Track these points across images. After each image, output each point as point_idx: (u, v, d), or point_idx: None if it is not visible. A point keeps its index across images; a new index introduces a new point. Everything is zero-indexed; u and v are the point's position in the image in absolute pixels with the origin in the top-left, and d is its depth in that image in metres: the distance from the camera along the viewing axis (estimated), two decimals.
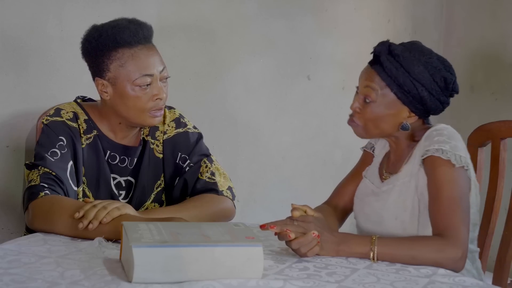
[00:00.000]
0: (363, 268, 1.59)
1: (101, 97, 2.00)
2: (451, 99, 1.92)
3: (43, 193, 1.83)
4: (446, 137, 1.82)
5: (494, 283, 2.08)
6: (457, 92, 1.91)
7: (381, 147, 2.06)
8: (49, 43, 2.39)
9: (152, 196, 2.08)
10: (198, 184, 2.07)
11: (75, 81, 2.39)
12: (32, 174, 1.89)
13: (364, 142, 2.16)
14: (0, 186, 2.31)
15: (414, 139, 1.92)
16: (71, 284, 1.40)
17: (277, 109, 3.25)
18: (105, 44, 1.91)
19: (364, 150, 2.12)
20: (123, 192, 2.05)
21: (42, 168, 1.88)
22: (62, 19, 2.41)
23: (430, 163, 1.80)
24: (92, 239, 1.69)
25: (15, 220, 2.32)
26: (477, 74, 3.70)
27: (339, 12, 3.47)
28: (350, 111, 1.94)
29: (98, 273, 1.47)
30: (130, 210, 1.78)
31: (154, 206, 2.08)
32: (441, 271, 1.59)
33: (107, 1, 2.52)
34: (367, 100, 1.87)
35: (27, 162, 1.95)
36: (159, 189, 2.09)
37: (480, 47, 3.80)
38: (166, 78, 1.98)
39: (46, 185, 1.85)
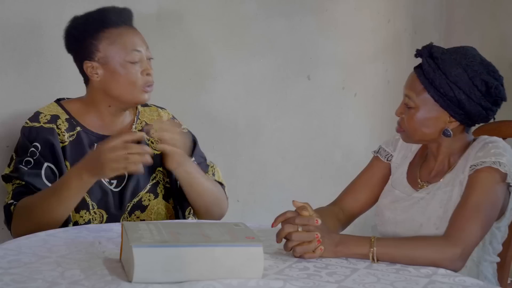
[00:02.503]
0: (363, 268, 1.59)
1: (87, 83, 2.06)
2: None
3: (12, 207, 1.91)
4: (502, 149, 1.80)
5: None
6: (503, 99, 1.85)
7: (402, 156, 2.02)
8: (49, 43, 2.38)
9: (148, 186, 2.10)
10: None
11: (75, 81, 2.38)
12: (8, 187, 1.98)
13: (364, 143, 2.15)
14: (0, 186, 2.30)
15: (455, 150, 1.89)
16: (71, 284, 1.40)
17: (277, 109, 3.25)
18: (93, 27, 2.00)
19: (377, 157, 2.07)
20: (114, 182, 2.07)
21: (15, 180, 1.96)
22: (62, 19, 2.40)
23: (481, 173, 1.78)
24: (93, 238, 1.69)
25: None
26: None
27: (339, 12, 3.47)
28: (396, 116, 1.91)
29: (98, 273, 1.47)
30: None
31: (149, 196, 2.10)
32: (441, 271, 1.59)
33: (107, 1, 2.52)
34: (408, 106, 1.86)
35: (3, 174, 2.01)
36: (154, 181, 2.12)
37: (480, 47, 3.77)
38: (150, 58, 2.06)
39: (13, 200, 1.92)
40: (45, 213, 1.84)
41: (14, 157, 2.02)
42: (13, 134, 2.30)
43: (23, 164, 1.96)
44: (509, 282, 2.18)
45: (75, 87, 2.26)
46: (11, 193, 1.95)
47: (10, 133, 2.30)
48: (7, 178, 1.99)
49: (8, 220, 1.93)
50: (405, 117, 1.87)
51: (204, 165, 2.16)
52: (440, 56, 1.82)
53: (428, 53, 1.84)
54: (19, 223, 1.90)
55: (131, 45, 1.99)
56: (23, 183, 1.94)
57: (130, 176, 2.07)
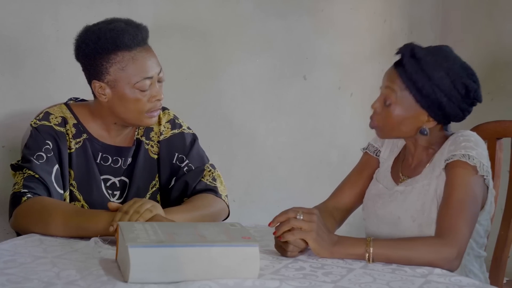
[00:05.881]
0: (359, 268, 1.59)
1: (95, 98, 2.00)
2: None
3: (25, 197, 1.84)
4: (473, 143, 1.82)
5: (490, 282, 2.09)
6: (479, 101, 1.88)
7: (389, 151, 2.05)
8: (45, 43, 2.38)
9: (148, 196, 2.08)
10: (198, 185, 2.07)
11: (71, 81, 2.38)
12: (17, 177, 1.91)
13: (361, 143, 2.16)
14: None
15: (432, 144, 1.91)
16: (67, 284, 1.40)
17: (273, 109, 3.25)
18: (105, 48, 1.91)
19: (366, 153, 2.10)
20: (117, 193, 2.05)
21: (27, 170, 1.90)
22: (58, 19, 2.41)
23: (453, 167, 1.80)
24: (88, 238, 1.69)
25: None
26: None
27: (335, 12, 3.47)
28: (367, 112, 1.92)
29: (94, 273, 1.47)
30: (160, 210, 1.77)
31: None
32: (437, 270, 1.59)
33: (103, 1, 2.52)
34: (387, 102, 1.87)
35: (12, 163, 1.96)
36: (154, 189, 2.09)
37: (476, 47, 3.81)
38: (162, 81, 2.00)
39: (27, 190, 1.86)
40: (54, 233, 1.79)
41: (23, 151, 1.96)
42: (9, 134, 2.30)
43: (35, 157, 1.91)
44: (505, 282, 2.19)
45: (71, 87, 2.26)
46: (21, 182, 1.88)
47: (6, 133, 2.30)
48: (16, 167, 1.94)
49: (13, 208, 1.87)
50: (382, 113, 1.89)
51: (197, 171, 2.09)
52: (423, 58, 1.83)
53: (410, 52, 1.85)
54: (26, 218, 1.83)
55: (143, 72, 1.92)
56: (36, 176, 1.88)
57: (130, 187, 2.06)
